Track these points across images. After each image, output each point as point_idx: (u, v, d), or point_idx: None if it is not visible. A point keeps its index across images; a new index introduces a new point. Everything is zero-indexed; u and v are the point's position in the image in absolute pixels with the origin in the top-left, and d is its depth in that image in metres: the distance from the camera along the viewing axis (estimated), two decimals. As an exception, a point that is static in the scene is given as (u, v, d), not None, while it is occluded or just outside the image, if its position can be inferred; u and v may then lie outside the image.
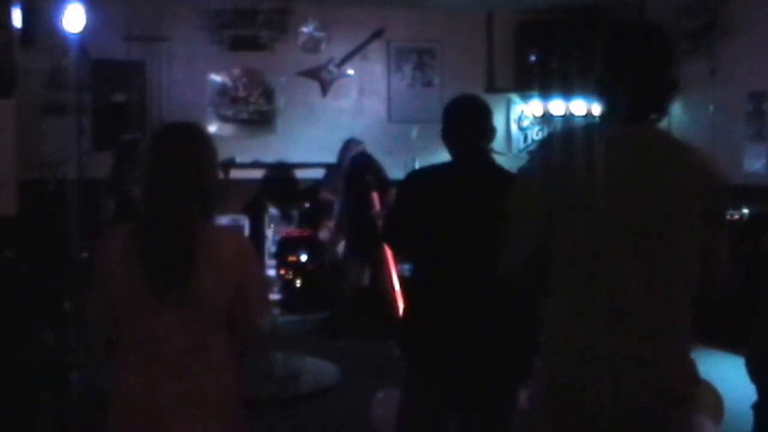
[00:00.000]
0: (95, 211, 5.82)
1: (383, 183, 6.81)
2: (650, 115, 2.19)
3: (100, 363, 3.72)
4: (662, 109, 2.21)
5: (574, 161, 2.11)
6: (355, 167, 7.00)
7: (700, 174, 2.16)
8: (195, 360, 2.23)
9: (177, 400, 2.22)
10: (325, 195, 7.51)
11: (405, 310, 3.52)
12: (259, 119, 8.25)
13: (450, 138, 3.14)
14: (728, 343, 6.21)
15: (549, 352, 2.19)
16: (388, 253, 6.39)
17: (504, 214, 2.21)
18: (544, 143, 2.37)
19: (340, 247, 7.16)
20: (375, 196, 6.59)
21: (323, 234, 7.50)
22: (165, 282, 2.18)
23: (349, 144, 7.57)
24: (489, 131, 3.16)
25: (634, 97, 2.16)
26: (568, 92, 8.14)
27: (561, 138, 2.29)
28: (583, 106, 8.17)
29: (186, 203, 2.22)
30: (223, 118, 8.11)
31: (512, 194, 2.22)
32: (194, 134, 2.33)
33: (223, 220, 7.24)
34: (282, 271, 7.66)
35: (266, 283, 2.15)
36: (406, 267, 6.02)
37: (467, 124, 3.12)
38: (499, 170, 3.15)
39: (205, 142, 2.32)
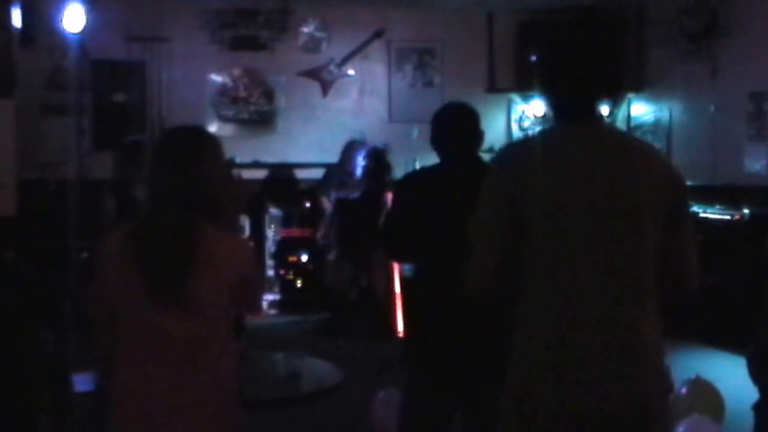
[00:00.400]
0: (96, 213, 5.82)
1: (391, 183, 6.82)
2: (596, 113, 2.15)
3: (101, 362, 3.72)
4: (612, 106, 2.19)
5: (532, 169, 2.05)
6: (373, 164, 6.96)
7: (660, 173, 2.10)
8: (191, 361, 2.24)
9: (174, 401, 2.22)
10: (324, 203, 7.52)
11: (406, 311, 3.52)
12: (260, 119, 8.25)
13: (439, 145, 3.17)
14: (728, 343, 6.21)
15: (517, 364, 2.10)
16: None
17: (469, 228, 2.13)
18: (501, 156, 2.27)
19: (332, 253, 7.17)
20: (389, 196, 6.58)
21: (320, 235, 7.51)
22: (161, 285, 2.19)
23: (351, 144, 7.58)
24: (478, 137, 3.19)
25: (577, 96, 2.11)
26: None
27: (516, 148, 2.25)
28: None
29: (187, 207, 2.22)
30: (223, 118, 8.11)
31: (474, 214, 2.13)
32: (198, 138, 2.34)
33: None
34: (282, 272, 7.65)
35: (262, 285, 2.21)
36: (407, 267, 6.02)
37: (456, 131, 3.15)
38: None
39: (211, 146, 2.33)
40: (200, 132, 2.40)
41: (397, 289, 6.44)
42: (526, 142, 2.22)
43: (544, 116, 8.69)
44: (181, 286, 2.19)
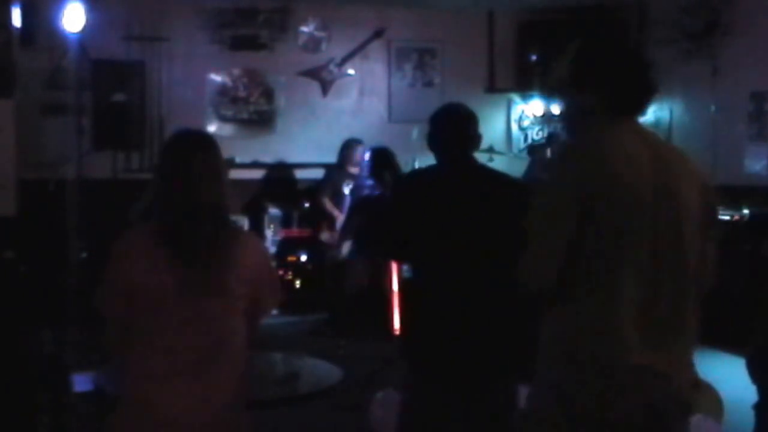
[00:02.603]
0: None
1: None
2: (634, 115, 2.22)
3: (106, 362, 3.71)
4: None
5: (601, 165, 2.08)
6: (378, 163, 6.95)
7: (696, 174, 2.19)
8: (214, 359, 2.27)
9: (194, 398, 2.24)
10: (325, 204, 7.51)
11: (405, 311, 3.52)
12: (259, 119, 8.25)
13: (436, 146, 3.16)
14: (728, 343, 6.20)
15: (565, 359, 2.12)
16: None
17: (524, 226, 2.15)
18: (567, 152, 2.29)
19: (346, 247, 7.14)
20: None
21: (325, 236, 7.50)
22: (198, 262, 2.24)
23: (349, 144, 7.57)
24: (475, 139, 3.19)
25: (638, 90, 2.20)
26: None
27: (581, 144, 2.25)
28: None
29: (220, 208, 2.33)
30: (223, 118, 8.11)
31: (535, 210, 2.16)
32: (211, 140, 2.43)
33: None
34: (281, 272, 7.65)
35: (278, 276, 2.46)
36: (405, 267, 6.02)
37: (453, 132, 3.14)
38: (492, 173, 3.20)
39: (219, 148, 2.44)
40: (209, 134, 2.53)
41: (395, 287, 6.44)
42: (584, 141, 2.23)
43: (543, 116, 8.69)
44: (218, 280, 2.26)
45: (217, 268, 2.26)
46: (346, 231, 7.15)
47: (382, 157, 6.88)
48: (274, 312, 8.07)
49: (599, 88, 2.20)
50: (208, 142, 2.40)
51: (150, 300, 2.25)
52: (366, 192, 7.01)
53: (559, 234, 2.09)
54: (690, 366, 2.15)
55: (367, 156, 7.03)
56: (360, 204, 7.00)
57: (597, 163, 2.08)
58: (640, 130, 2.20)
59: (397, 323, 6.34)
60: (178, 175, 2.32)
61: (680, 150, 2.28)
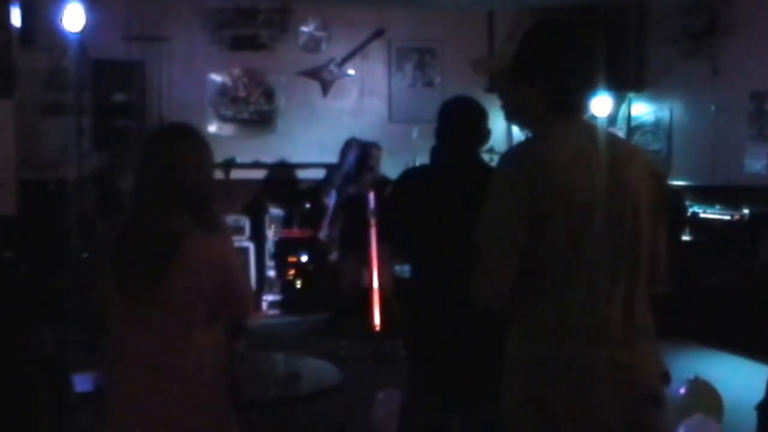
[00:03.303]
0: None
1: (382, 180, 6.81)
2: (579, 110, 2.16)
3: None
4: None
5: (544, 168, 2.02)
6: (360, 163, 7.00)
7: (647, 168, 2.16)
8: (162, 364, 2.24)
9: (143, 402, 2.24)
10: (326, 201, 7.51)
11: (405, 311, 3.52)
12: (260, 119, 8.24)
13: (442, 138, 3.12)
14: (728, 344, 6.20)
15: (532, 360, 2.08)
16: (375, 252, 6.40)
17: (475, 240, 2.06)
18: (509, 159, 2.22)
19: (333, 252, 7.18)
20: (371, 194, 6.58)
21: (322, 235, 7.51)
22: (134, 285, 2.21)
23: (350, 143, 7.57)
24: (485, 133, 3.15)
25: (575, 89, 2.12)
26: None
27: (523, 149, 2.20)
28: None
29: (168, 207, 2.22)
30: (223, 118, 8.11)
31: (485, 220, 2.07)
32: (179, 132, 2.34)
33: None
34: (282, 272, 7.65)
35: (247, 286, 2.16)
36: (406, 268, 6.02)
37: (463, 126, 3.10)
38: (491, 170, 3.14)
39: (197, 143, 2.32)
40: (183, 126, 2.38)
41: (375, 285, 6.46)
42: (529, 142, 2.18)
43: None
44: (152, 286, 2.19)
45: (159, 292, 2.20)
46: (332, 228, 7.18)
47: (362, 158, 6.94)
48: (274, 312, 8.12)
49: (542, 81, 2.11)
50: (189, 132, 2.35)
51: (106, 298, 2.29)
52: (349, 192, 7.04)
53: (507, 243, 2.02)
54: (657, 358, 2.13)
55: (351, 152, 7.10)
56: (345, 202, 7.04)
57: (542, 166, 2.02)
58: (586, 126, 2.14)
59: (377, 321, 6.38)
60: (157, 158, 2.29)
61: (628, 143, 2.25)
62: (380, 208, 6.29)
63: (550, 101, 2.11)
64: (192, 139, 2.33)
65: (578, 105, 2.14)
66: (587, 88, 2.15)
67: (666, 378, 2.15)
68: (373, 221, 6.38)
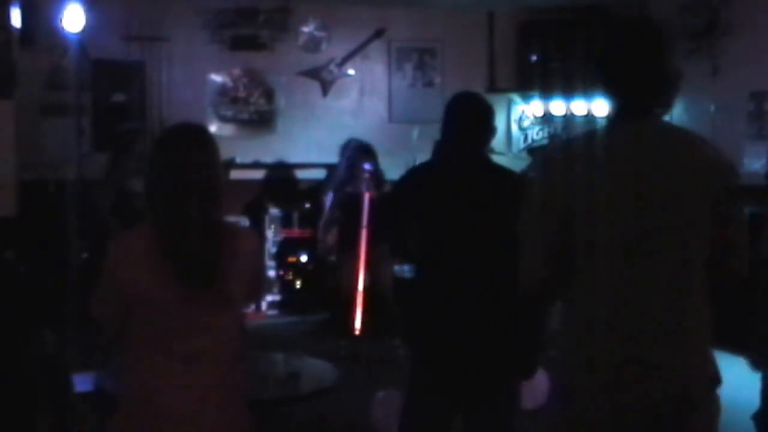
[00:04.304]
0: (92, 209, 5.80)
1: (378, 180, 6.81)
2: (653, 110, 2.17)
3: (103, 363, 3.72)
4: (665, 103, 2.18)
5: (587, 165, 2.09)
6: (354, 164, 7.01)
7: (711, 165, 2.14)
8: (213, 359, 2.27)
9: (191, 399, 2.23)
10: (324, 202, 7.51)
11: (407, 311, 3.51)
12: (260, 119, 8.24)
13: (451, 135, 3.09)
14: (728, 343, 6.19)
15: (569, 355, 2.15)
16: (362, 252, 6.41)
17: (517, 228, 2.19)
18: (552, 148, 2.32)
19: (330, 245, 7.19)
20: (366, 195, 6.59)
21: (321, 235, 7.51)
22: (199, 280, 2.22)
23: (349, 144, 7.57)
24: (491, 131, 3.13)
25: (633, 93, 2.14)
26: (569, 92, 8.13)
27: (568, 143, 2.27)
28: (583, 106, 8.15)
29: (212, 203, 2.28)
30: (223, 118, 8.11)
31: (524, 207, 2.19)
32: (208, 136, 2.39)
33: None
34: (282, 272, 7.65)
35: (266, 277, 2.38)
36: (406, 268, 6.02)
37: (469, 123, 3.08)
38: (498, 169, 3.14)
39: (215, 144, 2.39)
40: (204, 130, 2.45)
41: (360, 287, 6.46)
42: (578, 140, 2.26)
43: (543, 116, 8.68)
44: (217, 279, 2.24)
45: (218, 282, 2.24)
46: (327, 227, 7.18)
47: (351, 159, 6.95)
48: (273, 312, 8.11)
49: (607, 89, 2.19)
50: (204, 136, 2.37)
51: (151, 310, 2.24)
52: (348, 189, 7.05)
53: (540, 230, 2.14)
54: (702, 360, 2.12)
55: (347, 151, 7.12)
56: (342, 201, 7.04)
57: (574, 166, 2.10)
58: (644, 130, 2.15)
59: (358, 323, 6.39)
60: (159, 172, 2.29)
61: (696, 140, 2.20)
62: (374, 212, 6.31)
63: (615, 109, 2.20)
64: (212, 138, 2.40)
65: (635, 111, 2.15)
66: (633, 92, 2.16)
67: (714, 381, 2.14)
68: (364, 224, 6.39)
